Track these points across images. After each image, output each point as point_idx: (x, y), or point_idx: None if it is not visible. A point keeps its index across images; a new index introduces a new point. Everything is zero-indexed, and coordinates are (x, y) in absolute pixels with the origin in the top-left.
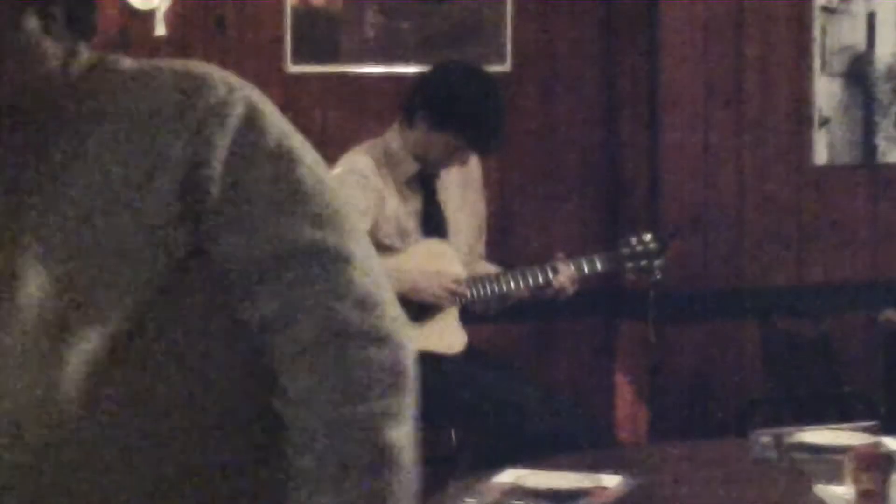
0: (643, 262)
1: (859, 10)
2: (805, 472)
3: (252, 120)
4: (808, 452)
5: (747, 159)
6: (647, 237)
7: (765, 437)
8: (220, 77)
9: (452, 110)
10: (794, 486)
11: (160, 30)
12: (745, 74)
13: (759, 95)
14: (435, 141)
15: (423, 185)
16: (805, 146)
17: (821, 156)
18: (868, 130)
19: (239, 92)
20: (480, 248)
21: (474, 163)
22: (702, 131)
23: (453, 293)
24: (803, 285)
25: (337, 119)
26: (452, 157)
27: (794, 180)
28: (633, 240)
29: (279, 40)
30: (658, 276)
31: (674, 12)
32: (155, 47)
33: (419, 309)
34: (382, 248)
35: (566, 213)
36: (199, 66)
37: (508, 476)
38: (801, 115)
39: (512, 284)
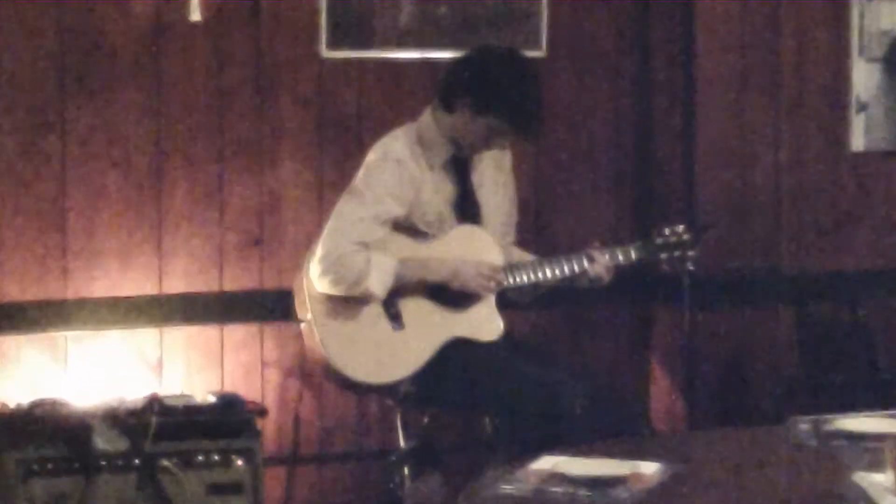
0: (677, 254)
1: None
2: (844, 459)
3: None
4: (847, 440)
5: (784, 145)
6: (681, 228)
7: (803, 424)
8: None
9: (497, 95)
10: (832, 473)
11: (195, 16)
12: (781, 59)
13: (796, 80)
14: (476, 125)
15: (457, 169)
16: (842, 132)
17: (858, 142)
18: None
19: None
20: (512, 233)
21: (507, 145)
22: (738, 116)
23: (491, 282)
24: (840, 271)
25: (372, 104)
26: (491, 141)
27: (831, 166)
28: (667, 231)
29: (314, 25)
30: (691, 268)
31: None
32: (190, 34)
33: (458, 297)
34: (418, 233)
35: (600, 199)
36: None
37: (546, 463)
38: (838, 100)
39: (548, 272)
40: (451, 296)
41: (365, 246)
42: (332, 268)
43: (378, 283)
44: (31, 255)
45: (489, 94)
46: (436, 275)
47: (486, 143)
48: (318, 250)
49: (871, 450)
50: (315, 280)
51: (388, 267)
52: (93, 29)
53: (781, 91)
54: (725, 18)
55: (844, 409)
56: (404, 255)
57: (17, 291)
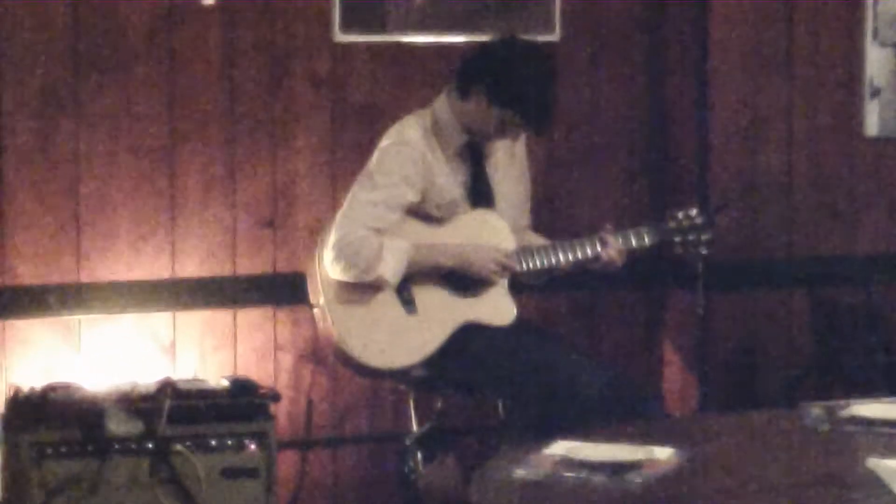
0: (690, 237)
1: None
2: (857, 444)
3: None
4: (861, 425)
5: (797, 129)
6: (694, 212)
7: (816, 409)
8: None
9: (513, 89)
10: (846, 458)
11: None
12: (795, 43)
13: (809, 65)
14: (490, 115)
15: (471, 155)
16: (856, 117)
17: (872, 127)
18: None
19: None
20: (526, 218)
21: (520, 134)
22: (751, 100)
23: (504, 267)
24: (853, 255)
25: (384, 88)
26: (504, 132)
27: (844, 151)
28: (680, 214)
29: (327, 9)
30: (704, 251)
31: None
32: (203, 17)
33: (470, 281)
34: (431, 219)
35: (613, 183)
36: None
37: (559, 448)
38: (852, 85)
39: (560, 257)
40: (463, 280)
41: (378, 231)
42: (345, 253)
43: (390, 270)
44: (44, 239)
45: (505, 87)
46: (448, 261)
47: (497, 132)
48: (331, 236)
49: (884, 435)
50: (328, 265)
51: (400, 253)
52: (106, 12)
53: (795, 75)
54: (740, 2)
55: (858, 394)
56: (417, 239)
57: (30, 275)
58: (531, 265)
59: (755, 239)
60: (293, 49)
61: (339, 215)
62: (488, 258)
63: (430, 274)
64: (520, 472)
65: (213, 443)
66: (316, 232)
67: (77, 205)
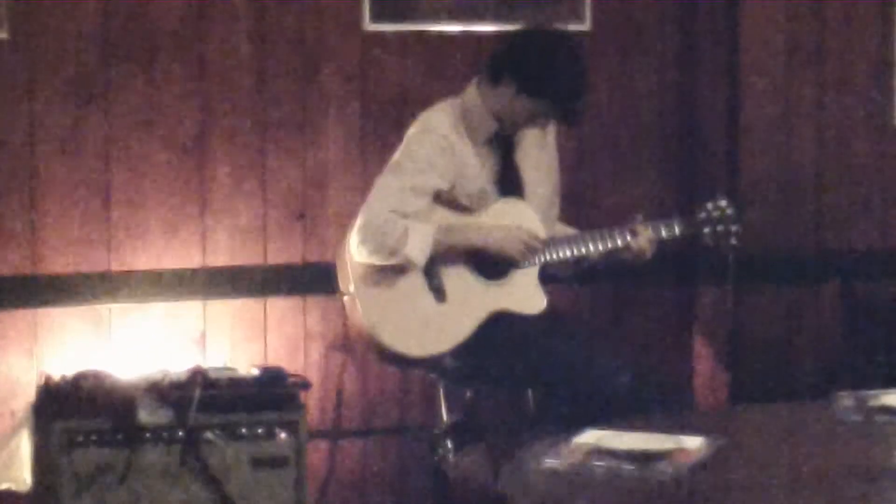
0: (720, 228)
1: None
2: (889, 434)
3: None
4: (892, 415)
5: (828, 121)
6: (724, 203)
7: (847, 400)
8: None
9: (544, 79)
10: (877, 448)
11: None
12: (826, 36)
13: (840, 56)
14: (520, 105)
15: (501, 145)
16: (887, 108)
17: None
18: None
19: None
20: (555, 209)
21: (550, 124)
22: (782, 93)
23: (530, 249)
24: (885, 249)
25: (414, 77)
26: (534, 121)
27: (876, 143)
28: (710, 205)
29: None
30: (734, 242)
31: None
32: (232, 9)
33: (500, 269)
34: (461, 207)
35: (644, 174)
36: None
37: (589, 437)
38: (883, 77)
39: (591, 246)
40: (493, 268)
41: (403, 215)
42: (371, 236)
43: (416, 250)
44: (75, 228)
45: (536, 76)
46: (474, 240)
47: (527, 121)
48: (358, 220)
49: None
50: (354, 249)
51: (425, 234)
52: (137, 6)
53: (826, 68)
54: None
55: (888, 386)
56: (444, 224)
57: (61, 264)
58: (561, 254)
59: (786, 232)
60: (323, 39)
61: (367, 201)
62: (515, 238)
63: (458, 260)
64: (550, 462)
65: (244, 432)
66: (346, 222)
67: (108, 195)
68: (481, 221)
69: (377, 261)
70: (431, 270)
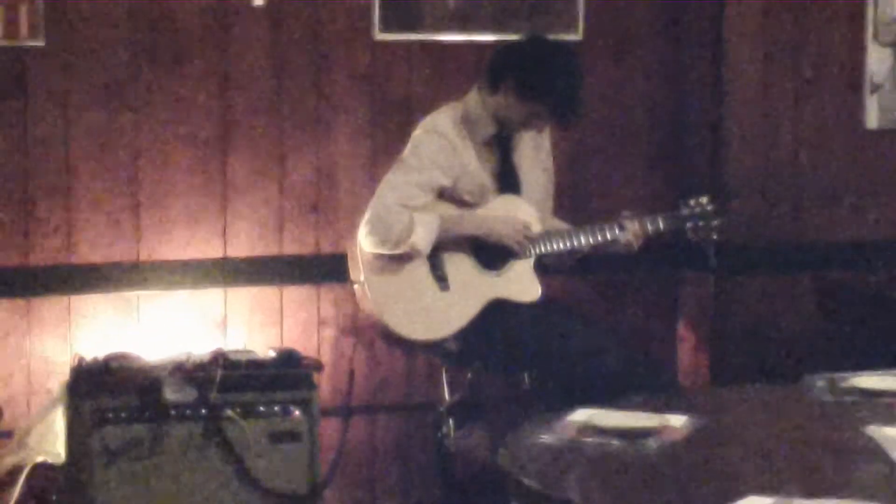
0: (702, 223)
1: None
2: (858, 414)
3: None
4: (861, 396)
5: (805, 123)
6: (705, 199)
7: (819, 381)
8: None
9: (541, 85)
10: (847, 426)
11: (258, 0)
12: (803, 44)
13: (816, 63)
14: (518, 109)
15: (500, 145)
16: (858, 111)
17: (872, 120)
18: None
19: None
20: (550, 204)
21: (546, 126)
22: (762, 97)
23: (526, 238)
24: (857, 241)
25: (420, 83)
26: (531, 124)
27: (848, 143)
28: (692, 202)
29: (368, 10)
30: (716, 236)
31: None
32: (252, 16)
33: (499, 259)
34: (462, 203)
35: (633, 172)
36: None
37: (581, 415)
38: (854, 82)
39: (582, 239)
40: (492, 258)
41: (408, 208)
42: (378, 227)
43: (421, 239)
44: (106, 221)
45: (533, 82)
46: (475, 230)
47: (525, 124)
48: (367, 213)
49: (883, 405)
50: (362, 239)
51: (430, 224)
52: (163, 12)
53: (802, 73)
54: (753, 6)
55: (858, 369)
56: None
57: (93, 254)
58: (555, 246)
59: (765, 225)
60: (336, 46)
61: (375, 195)
62: (512, 229)
63: (461, 251)
64: (545, 438)
65: (261, 409)
66: (356, 215)
67: (136, 190)
68: (482, 213)
69: (385, 250)
70: (435, 261)
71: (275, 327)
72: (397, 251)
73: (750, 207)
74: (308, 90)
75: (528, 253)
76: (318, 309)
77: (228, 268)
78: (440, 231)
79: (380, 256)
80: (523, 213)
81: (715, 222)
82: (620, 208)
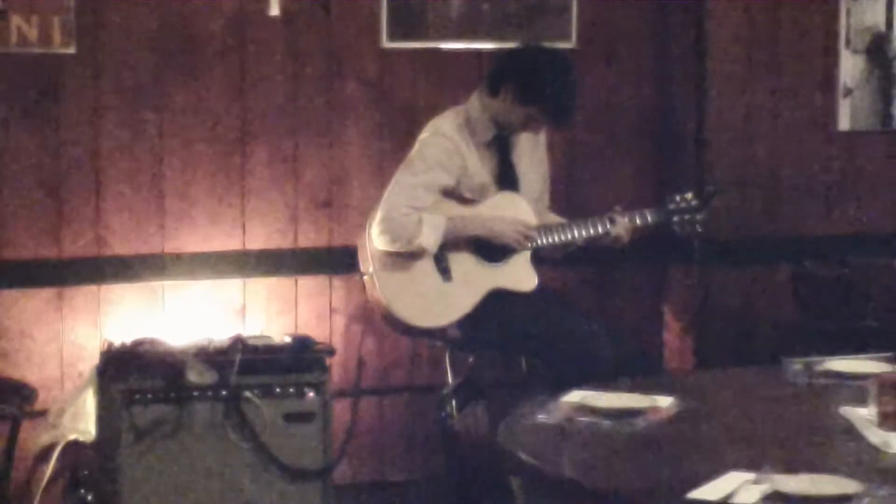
0: (687, 217)
1: None
2: (832, 395)
3: None
4: (835, 378)
5: (782, 125)
6: (690, 195)
7: (796, 365)
8: None
9: (538, 90)
10: (822, 407)
11: (274, 10)
12: (781, 50)
13: (792, 69)
14: (517, 112)
15: (499, 146)
16: (831, 114)
17: (845, 122)
18: (886, 100)
19: None
20: (546, 200)
21: (542, 128)
22: (743, 100)
23: (525, 237)
24: (830, 234)
25: (425, 88)
26: (529, 125)
27: (822, 143)
28: (678, 197)
29: (376, 20)
30: (699, 229)
31: None
32: (269, 26)
33: (498, 253)
34: (464, 200)
35: (623, 170)
36: None
37: (575, 397)
38: (828, 87)
39: (575, 233)
40: (492, 252)
41: (417, 209)
42: (390, 228)
43: (429, 240)
44: (133, 216)
45: (530, 87)
46: (479, 231)
47: (523, 126)
48: (378, 213)
49: (854, 387)
50: (375, 239)
51: (437, 225)
52: (187, 22)
53: (780, 78)
54: (734, 15)
55: (834, 353)
56: (452, 216)
57: (121, 247)
58: (550, 240)
59: (745, 220)
60: (346, 54)
61: (384, 196)
62: (513, 229)
63: (463, 245)
64: (541, 418)
65: (277, 391)
66: (366, 211)
67: (161, 187)
68: (485, 214)
69: (395, 249)
70: (439, 254)
71: (290, 315)
72: (407, 250)
73: (731, 203)
74: (320, 95)
75: (525, 246)
76: (330, 298)
77: (247, 260)
78: (446, 232)
79: (389, 251)
80: (520, 208)
81: (699, 217)
82: (611, 204)
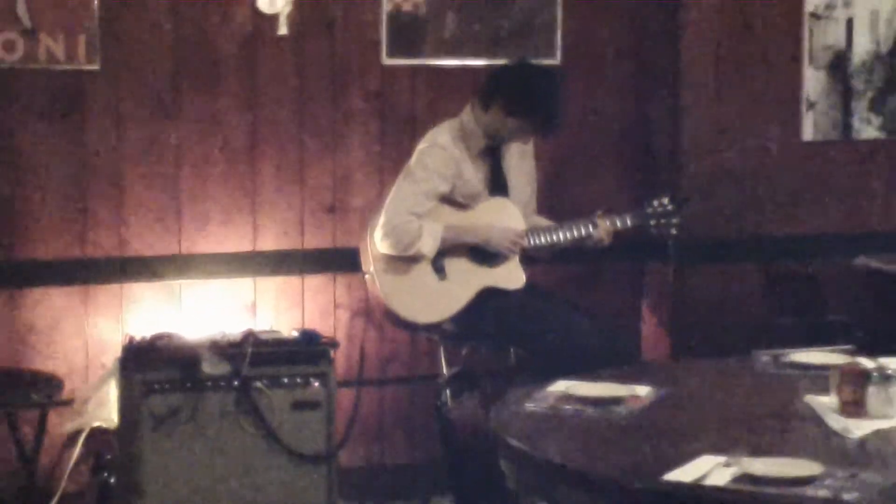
0: (663, 220)
1: (840, 16)
2: (796, 384)
3: None
4: (799, 369)
5: (750, 135)
6: (666, 200)
7: (764, 357)
8: None
9: (526, 103)
10: (787, 395)
11: (283, 30)
12: (749, 67)
13: (760, 83)
14: (507, 124)
15: (490, 155)
16: (796, 125)
17: (808, 133)
18: (846, 112)
19: None
20: (533, 204)
21: (530, 138)
22: (714, 112)
23: (516, 244)
24: (795, 236)
25: (422, 101)
26: (517, 136)
27: (787, 152)
28: (655, 202)
29: (377, 39)
30: (674, 232)
31: (693, 16)
32: (278, 44)
33: (490, 255)
34: (458, 205)
35: (604, 177)
36: None
37: (560, 386)
38: (793, 101)
39: (561, 235)
40: (484, 254)
41: (418, 216)
42: (392, 234)
43: (428, 246)
44: (152, 219)
45: (520, 101)
46: (473, 239)
47: (513, 137)
48: (381, 219)
49: (818, 377)
50: (378, 243)
51: (435, 233)
52: (202, 40)
53: (749, 92)
54: (706, 34)
55: (799, 346)
56: (448, 221)
57: (141, 248)
58: (538, 241)
59: (716, 222)
60: (349, 70)
61: (386, 202)
62: (504, 237)
63: (458, 248)
64: (528, 405)
65: (285, 381)
66: (367, 215)
67: (178, 193)
68: (479, 223)
69: (396, 253)
70: (436, 255)
71: (297, 311)
72: (407, 254)
73: (704, 207)
74: (326, 107)
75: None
76: (335, 295)
77: (257, 260)
78: (444, 240)
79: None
80: (510, 213)
81: (674, 220)
82: (594, 208)
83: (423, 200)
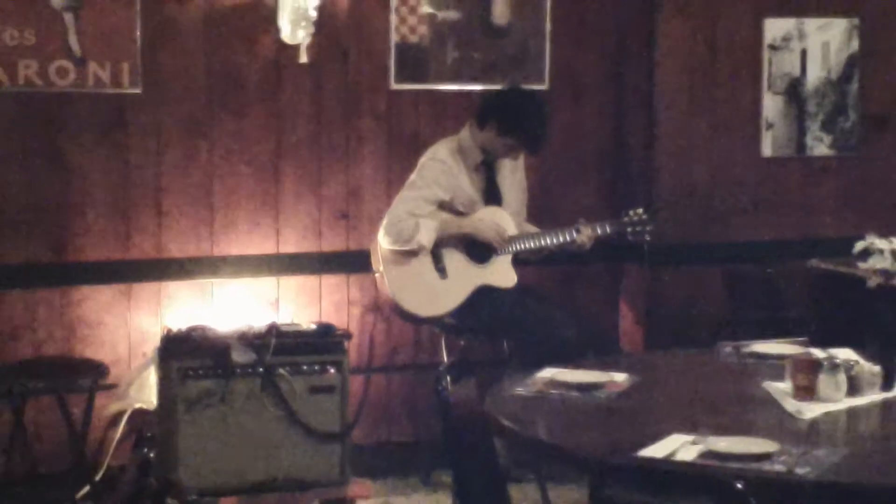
0: (638, 228)
1: (795, 47)
2: (756, 372)
3: None
4: (759, 358)
5: (717, 152)
6: (641, 210)
7: (727, 348)
8: None
9: (517, 124)
10: (748, 382)
11: (303, 58)
12: (716, 92)
13: (726, 106)
14: (499, 142)
15: (486, 168)
16: (756, 143)
17: (767, 150)
18: (800, 132)
19: None
20: (524, 213)
21: (521, 154)
22: (685, 132)
23: (499, 234)
24: (755, 241)
25: (426, 121)
26: (509, 153)
27: (749, 167)
28: (631, 212)
29: (386, 66)
30: (648, 238)
31: (668, 42)
32: (299, 71)
33: (483, 255)
34: (457, 212)
35: (586, 189)
36: None
37: (547, 373)
38: (754, 121)
39: (547, 240)
40: (480, 254)
41: (416, 216)
42: (392, 230)
43: (425, 237)
44: (187, 225)
45: (511, 122)
46: (465, 228)
47: (505, 153)
48: (384, 220)
49: (775, 366)
50: (380, 239)
51: (431, 225)
52: (232, 68)
53: (715, 114)
54: (677, 63)
55: (758, 338)
56: (444, 219)
57: (177, 250)
58: (527, 245)
59: (686, 229)
60: (361, 94)
61: (391, 207)
62: (490, 228)
63: (456, 250)
64: (519, 390)
65: (305, 368)
66: (377, 222)
67: (210, 202)
68: (471, 218)
69: (398, 247)
70: (437, 257)
71: (315, 306)
72: (407, 248)
73: (675, 216)
74: (340, 127)
75: (506, 250)
76: (348, 293)
77: (280, 261)
78: (439, 231)
79: (394, 252)
80: (502, 220)
81: (648, 227)
82: (577, 216)
83: (422, 204)
